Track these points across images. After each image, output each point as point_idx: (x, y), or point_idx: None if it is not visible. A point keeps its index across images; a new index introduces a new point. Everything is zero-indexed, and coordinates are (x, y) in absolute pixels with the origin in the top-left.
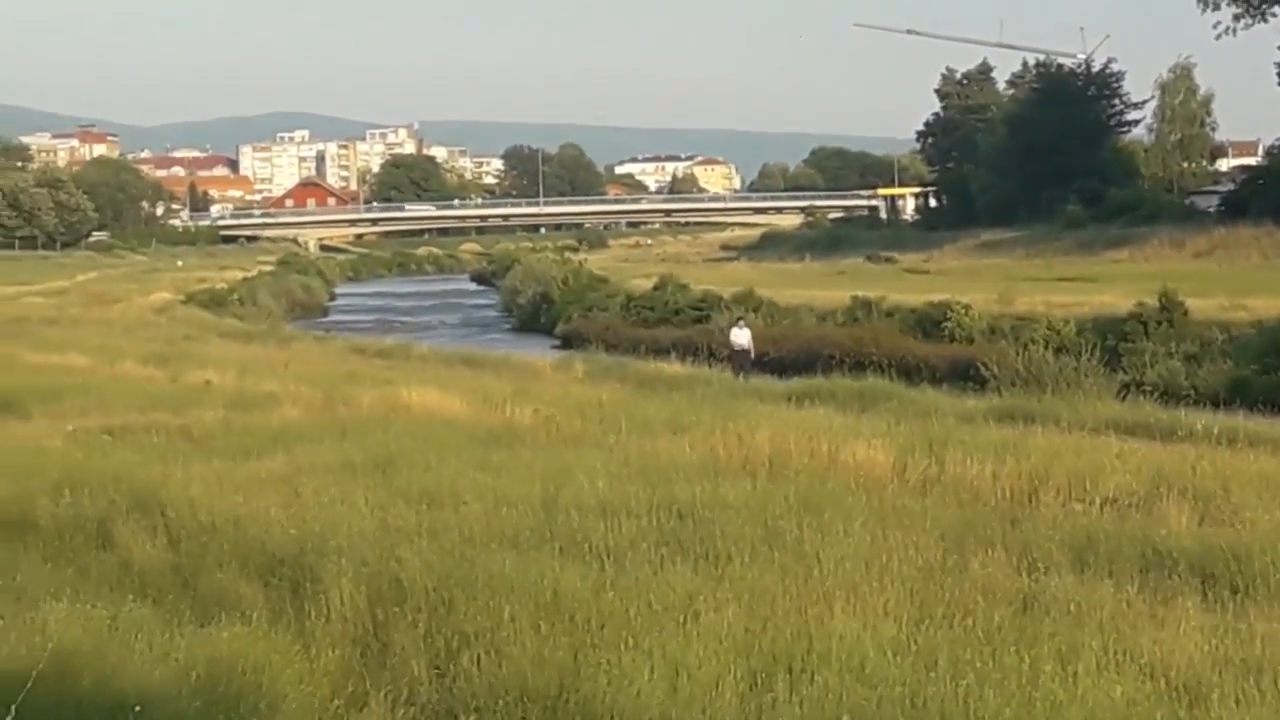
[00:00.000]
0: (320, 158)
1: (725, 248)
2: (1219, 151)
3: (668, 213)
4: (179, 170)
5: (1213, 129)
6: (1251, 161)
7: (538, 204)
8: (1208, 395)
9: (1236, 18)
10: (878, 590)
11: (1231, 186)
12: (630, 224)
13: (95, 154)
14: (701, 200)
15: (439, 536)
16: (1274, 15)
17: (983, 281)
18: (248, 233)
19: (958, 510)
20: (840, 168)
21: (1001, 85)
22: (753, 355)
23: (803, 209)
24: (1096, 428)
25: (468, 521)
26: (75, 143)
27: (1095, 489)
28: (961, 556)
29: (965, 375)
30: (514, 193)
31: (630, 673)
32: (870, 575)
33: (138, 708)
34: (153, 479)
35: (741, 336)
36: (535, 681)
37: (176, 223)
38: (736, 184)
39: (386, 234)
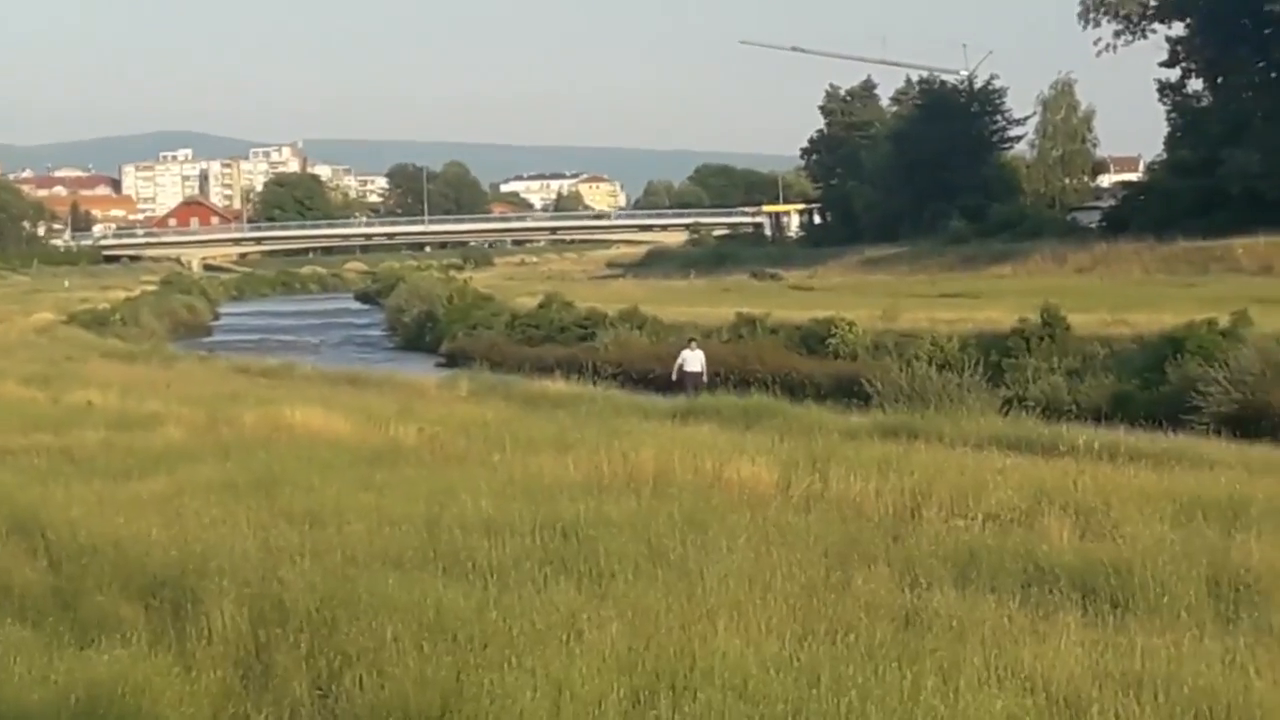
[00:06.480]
0: (204, 177)
1: (610, 265)
2: (1100, 167)
3: (553, 230)
4: (60, 190)
5: (1094, 145)
6: (1132, 177)
7: (422, 222)
8: (1089, 410)
9: (1117, 34)
10: (761, 607)
11: (1113, 202)
12: (516, 242)
13: None
14: (587, 218)
15: (322, 557)
16: (1153, 32)
17: (867, 298)
18: (131, 252)
19: (841, 526)
20: (725, 185)
21: (885, 102)
22: (705, 378)
23: (688, 226)
24: (979, 443)
25: (351, 541)
26: None
27: (977, 504)
28: (844, 573)
29: (849, 392)
30: (399, 211)
31: (513, 692)
32: (754, 592)
33: None
34: (33, 501)
35: (694, 360)
36: (418, 701)
37: (58, 243)
38: (622, 201)
39: (270, 253)
